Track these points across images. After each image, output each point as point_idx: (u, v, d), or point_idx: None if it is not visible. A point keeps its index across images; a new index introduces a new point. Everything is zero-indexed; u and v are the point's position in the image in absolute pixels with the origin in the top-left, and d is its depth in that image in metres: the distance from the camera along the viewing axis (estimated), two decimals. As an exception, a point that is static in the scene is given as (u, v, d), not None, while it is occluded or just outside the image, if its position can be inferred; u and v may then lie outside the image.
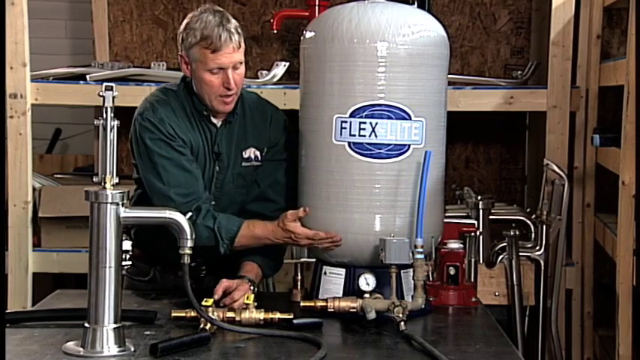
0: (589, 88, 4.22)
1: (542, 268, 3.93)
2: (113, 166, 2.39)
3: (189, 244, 2.44)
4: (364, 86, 2.77)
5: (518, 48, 4.93)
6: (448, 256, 3.01)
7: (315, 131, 2.85)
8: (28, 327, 2.62)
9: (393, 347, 2.51)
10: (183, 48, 2.88)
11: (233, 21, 2.86)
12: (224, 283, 2.76)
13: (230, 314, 2.64)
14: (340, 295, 2.81)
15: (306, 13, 4.53)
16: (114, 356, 2.36)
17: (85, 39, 5.25)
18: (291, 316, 2.65)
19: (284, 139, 3.02)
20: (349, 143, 2.79)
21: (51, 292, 3.12)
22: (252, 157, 3.00)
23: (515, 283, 3.84)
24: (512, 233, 3.81)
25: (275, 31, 4.60)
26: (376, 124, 2.77)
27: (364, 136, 2.77)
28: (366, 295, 2.69)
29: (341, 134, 2.79)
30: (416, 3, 4.02)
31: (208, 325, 2.54)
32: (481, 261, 3.81)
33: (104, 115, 2.38)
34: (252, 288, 2.80)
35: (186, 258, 2.45)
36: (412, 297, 2.75)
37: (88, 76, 4.21)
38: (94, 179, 2.41)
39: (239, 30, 2.86)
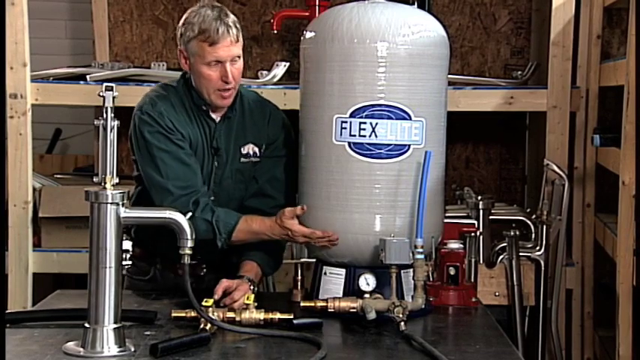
0: (589, 88, 4.22)
1: (543, 268, 3.93)
2: (113, 166, 2.39)
3: (190, 244, 2.44)
4: (364, 86, 2.77)
5: (519, 48, 4.93)
6: (448, 256, 3.01)
7: (315, 131, 2.85)
8: (28, 327, 2.62)
9: (393, 347, 2.51)
10: (181, 42, 2.91)
11: (231, 16, 2.89)
12: (224, 283, 2.76)
13: (230, 314, 2.64)
14: (340, 295, 2.81)
15: (306, 14, 4.53)
16: (114, 356, 2.36)
17: (85, 39, 5.25)
18: (291, 317, 2.65)
19: (283, 137, 3.03)
20: (349, 143, 2.79)
21: (51, 292, 3.12)
22: (251, 153, 3.01)
23: (515, 283, 3.84)
24: (512, 233, 3.81)
25: (275, 32, 4.60)
26: (376, 124, 2.77)
27: (364, 136, 2.77)
28: (366, 296, 2.69)
29: (341, 134, 2.79)
30: (416, 3, 4.03)
31: (208, 326, 2.54)
32: (481, 261, 3.81)
33: (104, 116, 2.38)
34: (252, 288, 2.80)
35: (186, 258, 2.45)
36: (412, 297, 2.75)
37: (88, 77, 4.21)
38: (94, 179, 2.41)
39: (237, 25, 2.88)
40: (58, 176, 4.89)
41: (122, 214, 2.39)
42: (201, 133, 2.95)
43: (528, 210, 4.18)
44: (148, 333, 2.56)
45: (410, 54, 2.78)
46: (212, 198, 2.94)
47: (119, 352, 2.37)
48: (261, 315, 2.64)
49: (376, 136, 2.77)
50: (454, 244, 3.03)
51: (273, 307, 2.70)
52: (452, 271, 3.00)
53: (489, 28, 4.93)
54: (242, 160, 3.00)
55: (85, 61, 4.69)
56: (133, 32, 5.01)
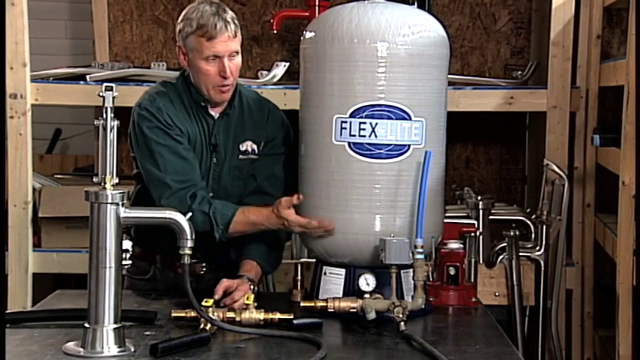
0: (589, 88, 4.22)
1: (543, 268, 3.93)
2: (113, 166, 2.39)
3: (190, 244, 2.44)
4: (364, 86, 2.77)
5: (519, 48, 4.93)
6: (448, 256, 3.01)
7: (315, 131, 2.85)
8: (28, 327, 2.62)
9: (393, 347, 2.51)
10: (180, 38, 2.93)
11: (230, 12, 2.91)
12: (224, 283, 2.76)
13: (230, 314, 2.64)
14: (340, 295, 2.81)
15: (306, 14, 4.53)
16: (114, 356, 2.36)
17: (85, 39, 5.25)
18: (291, 317, 2.65)
19: (282, 135, 3.04)
20: (349, 143, 2.79)
21: (51, 292, 3.12)
22: (249, 150, 3.02)
23: (515, 283, 3.84)
24: (512, 233, 3.81)
25: (275, 32, 4.60)
26: (376, 124, 2.77)
27: (364, 136, 2.77)
28: (366, 296, 2.69)
29: (341, 134, 2.79)
30: (416, 3, 4.03)
31: (208, 326, 2.54)
32: (481, 261, 3.81)
33: (104, 116, 2.38)
34: (252, 287, 2.80)
35: (186, 258, 2.45)
36: (412, 297, 2.75)
37: (88, 77, 4.21)
38: (94, 179, 2.41)
39: (235, 21, 2.90)
40: (58, 176, 4.89)
41: (122, 214, 2.39)
42: (199, 129, 2.97)
43: (528, 210, 4.18)
44: (147, 333, 2.56)
45: (410, 54, 2.78)
46: (211, 194, 2.95)
47: (119, 352, 2.37)
48: (261, 315, 2.64)
49: (376, 136, 2.77)
50: (454, 244, 3.03)
51: (273, 307, 2.70)
52: (452, 271, 3.00)
53: (489, 28, 4.93)
54: (240, 157, 3.01)
55: (85, 61, 4.70)
56: (132, 32, 5.01)
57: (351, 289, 2.80)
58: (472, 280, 3.43)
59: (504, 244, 3.85)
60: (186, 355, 2.37)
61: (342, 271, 2.86)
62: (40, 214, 4.19)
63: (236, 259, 2.97)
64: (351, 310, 2.68)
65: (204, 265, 3.03)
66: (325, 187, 2.83)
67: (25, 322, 2.67)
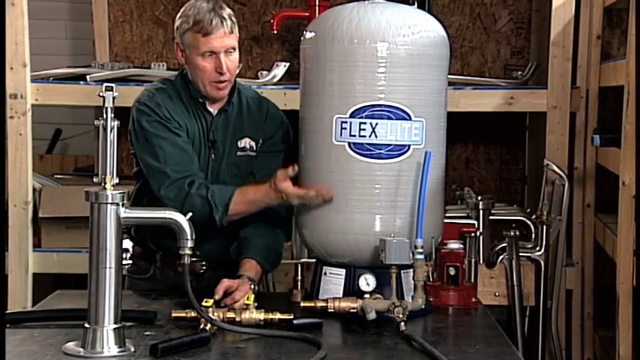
0: (589, 88, 4.22)
1: (543, 268, 3.93)
2: (113, 166, 2.39)
3: (190, 244, 2.44)
4: (364, 87, 2.77)
5: (519, 48, 4.93)
6: (448, 256, 3.01)
7: (315, 132, 2.85)
8: (28, 327, 2.62)
9: (393, 348, 2.51)
10: (177, 35, 2.97)
11: (227, 9, 2.93)
12: (225, 283, 2.76)
13: (230, 314, 2.64)
14: (340, 295, 2.81)
15: (307, 14, 4.53)
16: (114, 357, 2.36)
17: (85, 39, 5.25)
18: (292, 317, 2.65)
19: (280, 133, 3.05)
20: (349, 144, 2.79)
21: (51, 292, 3.12)
22: (248, 147, 3.03)
23: (515, 283, 3.84)
24: (512, 233, 3.81)
25: (275, 32, 4.60)
26: (376, 124, 2.77)
27: (364, 136, 2.77)
28: (366, 296, 2.69)
29: (341, 134, 2.79)
30: (416, 3, 4.03)
31: (208, 326, 2.54)
32: (481, 261, 3.81)
33: (104, 116, 2.38)
34: (252, 287, 2.80)
35: (186, 258, 2.45)
36: (412, 297, 2.75)
37: (88, 77, 4.21)
38: (94, 180, 2.41)
39: (232, 18, 2.92)
40: (58, 176, 4.90)
41: (122, 215, 2.39)
42: (198, 125, 2.98)
43: (528, 210, 4.18)
44: (148, 333, 2.56)
45: (410, 54, 2.78)
46: None
47: (119, 352, 2.37)
48: (261, 315, 2.64)
49: (376, 136, 2.77)
50: (454, 245, 3.03)
51: (273, 307, 2.69)
52: (452, 272, 3.00)
53: (489, 29, 4.93)
54: (238, 153, 3.02)
55: (85, 62, 4.70)
56: (133, 32, 5.01)
57: (351, 290, 2.80)
58: (472, 280, 3.43)
59: (504, 245, 3.85)
60: (186, 356, 2.37)
61: (342, 272, 2.86)
62: (40, 214, 4.19)
63: (235, 258, 2.97)
64: (351, 311, 2.68)
65: (203, 263, 3.03)
66: (325, 188, 2.83)
67: (25, 322, 2.67)
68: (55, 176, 4.87)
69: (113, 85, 2.41)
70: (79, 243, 4.11)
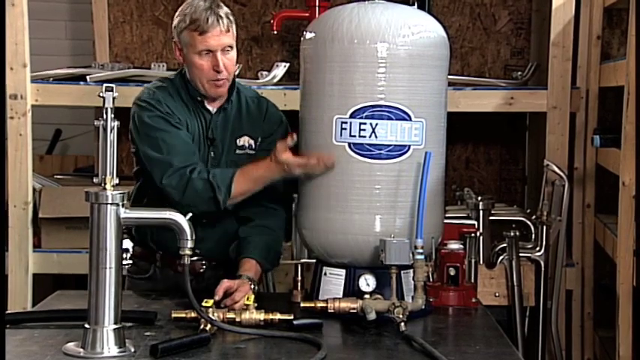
0: (589, 88, 4.22)
1: (543, 268, 3.93)
2: (113, 166, 2.39)
3: (190, 244, 2.44)
4: (364, 87, 2.77)
5: (519, 49, 4.93)
6: (448, 256, 3.01)
7: (316, 132, 2.85)
8: (28, 328, 2.62)
9: (393, 348, 2.51)
10: (175, 34, 2.97)
11: (224, 7, 2.94)
12: (225, 284, 2.76)
13: (230, 315, 2.64)
14: (340, 295, 2.81)
15: (307, 14, 4.53)
16: (114, 357, 2.36)
17: (85, 40, 5.25)
18: (292, 317, 2.65)
19: (279, 132, 3.06)
20: (349, 144, 2.79)
21: (51, 292, 3.12)
22: (246, 145, 3.04)
23: (515, 283, 3.84)
24: (512, 234, 3.81)
25: (275, 32, 4.60)
26: (376, 124, 2.77)
27: (364, 136, 2.77)
28: (366, 296, 2.69)
29: (341, 135, 2.79)
30: (416, 4, 4.03)
31: (208, 326, 2.54)
32: (481, 262, 3.81)
33: (104, 116, 2.38)
34: (252, 287, 2.80)
35: (186, 258, 2.45)
36: (412, 298, 2.75)
37: (88, 77, 4.22)
38: (94, 180, 2.41)
39: (230, 16, 2.94)
40: (58, 177, 4.90)
41: (122, 215, 2.39)
42: (197, 123, 3.00)
43: (528, 210, 4.18)
44: (148, 334, 2.56)
45: (410, 55, 2.78)
46: None
47: (119, 352, 2.37)
48: (261, 315, 2.64)
49: (376, 136, 2.77)
50: (454, 245, 3.03)
51: (273, 307, 2.69)
52: (452, 272, 3.00)
53: (489, 29, 4.93)
54: (237, 151, 3.03)
55: (85, 62, 4.70)
56: (133, 33, 5.01)
57: (351, 290, 2.80)
58: (472, 280, 3.42)
59: (504, 245, 3.85)
60: (186, 356, 2.37)
61: (342, 272, 2.86)
62: (40, 215, 4.19)
63: (235, 258, 2.98)
64: (351, 311, 2.68)
65: (204, 262, 3.03)
66: (325, 188, 2.83)
67: (25, 322, 2.67)
68: (55, 177, 4.87)
69: (113, 85, 2.41)
70: (79, 243, 4.10)
